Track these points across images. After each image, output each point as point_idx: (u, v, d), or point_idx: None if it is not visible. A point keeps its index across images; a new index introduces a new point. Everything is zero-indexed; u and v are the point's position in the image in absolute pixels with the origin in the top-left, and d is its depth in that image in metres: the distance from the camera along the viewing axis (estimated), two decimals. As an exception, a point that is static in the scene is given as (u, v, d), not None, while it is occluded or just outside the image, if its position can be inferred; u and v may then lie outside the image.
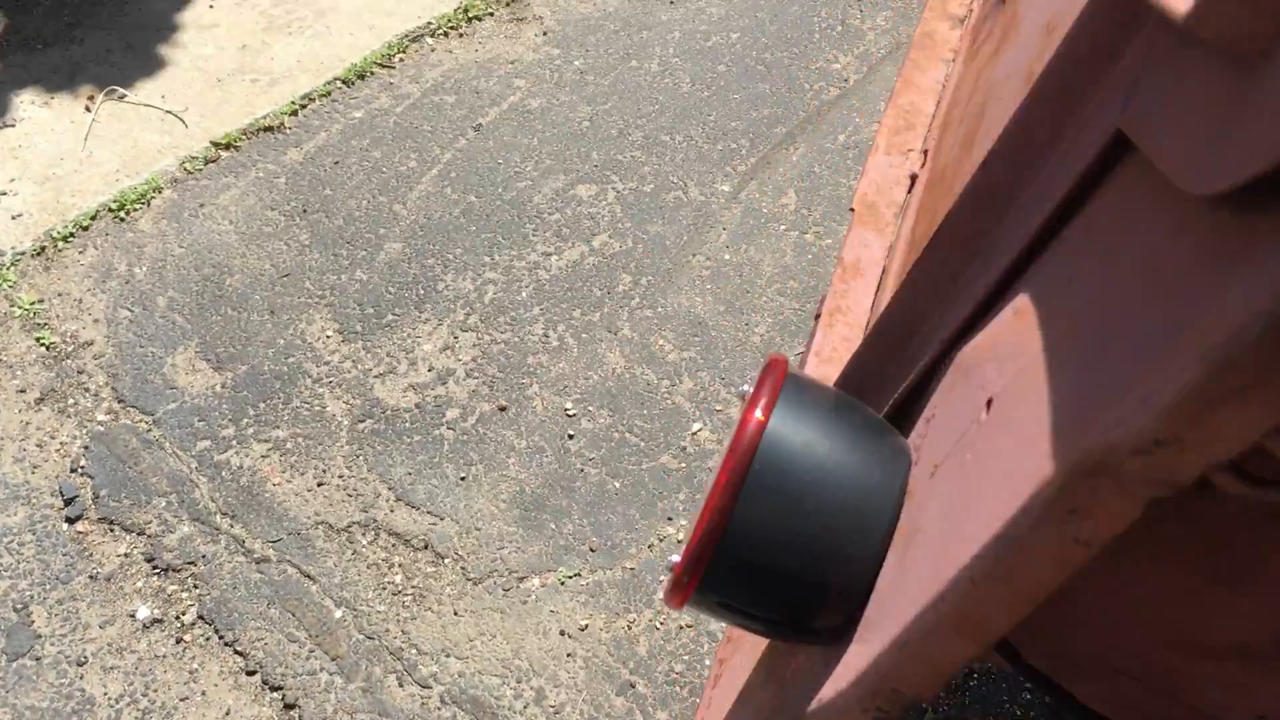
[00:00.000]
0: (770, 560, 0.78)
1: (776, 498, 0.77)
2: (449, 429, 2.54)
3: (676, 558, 0.83)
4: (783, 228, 3.03)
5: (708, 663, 2.22)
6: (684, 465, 2.50)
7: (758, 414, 0.79)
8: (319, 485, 2.44)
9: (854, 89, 3.43)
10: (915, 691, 0.69)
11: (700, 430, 2.57)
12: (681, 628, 2.27)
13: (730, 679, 1.19)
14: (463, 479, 2.46)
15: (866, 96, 3.41)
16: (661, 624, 2.27)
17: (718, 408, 2.61)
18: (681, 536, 2.38)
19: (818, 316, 1.42)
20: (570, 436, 2.54)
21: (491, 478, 2.46)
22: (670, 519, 2.42)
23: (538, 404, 2.60)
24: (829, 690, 0.74)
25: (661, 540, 2.38)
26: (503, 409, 2.58)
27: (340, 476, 2.45)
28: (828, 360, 1.37)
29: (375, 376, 2.63)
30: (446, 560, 2.34)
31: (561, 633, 2.25)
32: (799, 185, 3.15)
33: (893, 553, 0.77)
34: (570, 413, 2.58)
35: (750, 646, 1.16)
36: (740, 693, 1.09)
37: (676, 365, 2.69)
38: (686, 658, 2.23)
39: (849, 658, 0.75)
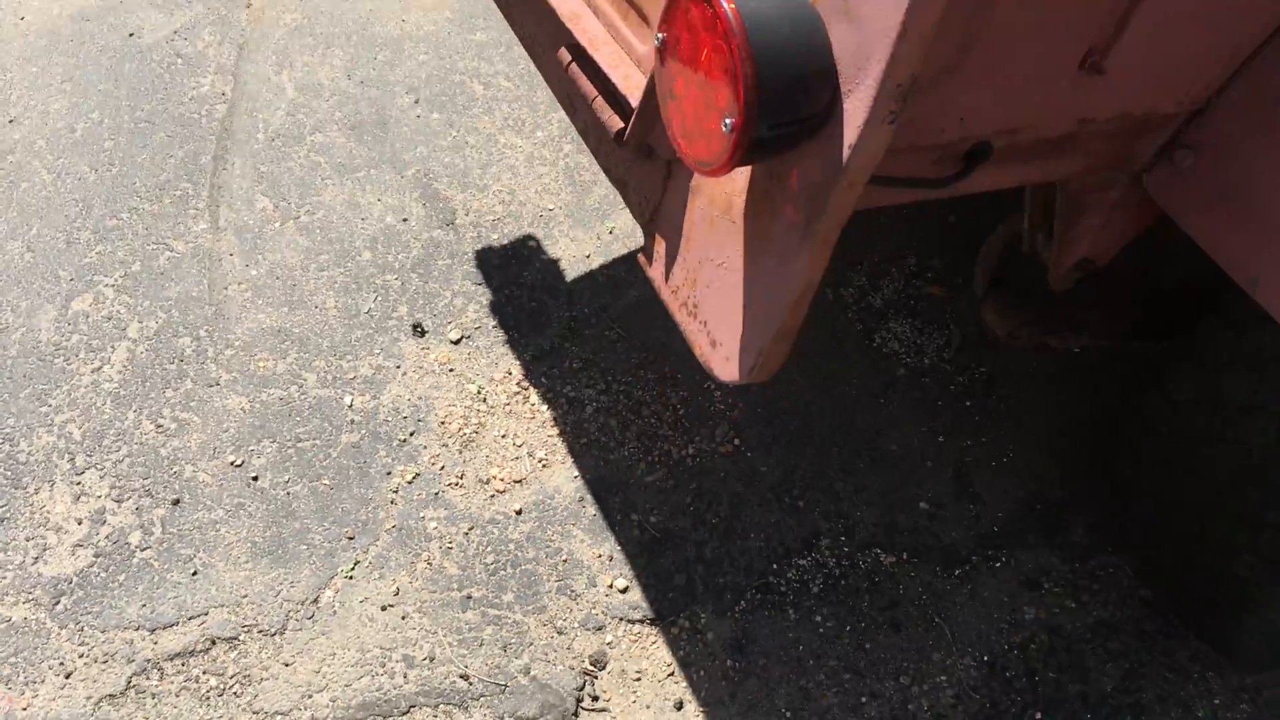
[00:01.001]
0: (794, 69, 1.08)
1: (775, 33, 1.07)
2: (143, 550, 2.46)
3: (731, 119, 1.09)
4: (277, 225, 3.17)
5: (510, 544, 2.46)
6: (365, 430, 2.66)
7: (726, 4, 1.06)
8: (67, 677, 2.27)
9: (237, 96, 3.58)
10: (912, 69, 1.02)
11: (354, 400, 2.72)
12: (466, 533, 2.48)
13: (713, 279, 1.41)
14: (194, 574, 2.42)
15: (251, 95, 3.58)
16: (452, 543, 2.46)
17: (351, 376, 2.77)
18: (410, 479, 2.56)
19: (573, 62, 1.65)
20: (255, 479, 2.58)
21: (220, 553, 2.45)
22: (389, 472, 2.58)
23: (204, 477, 2.58)
24: (850, 135, 1.06)
25: (396, 491, 2.54)
26: (177, 502, 2.54)
27: (81, 656, 2.30)
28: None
29: (32, 564, 2.45)
30: (241, 638, 2.32)
31: (383, 608, 2.36)
32: (260, 189, 3.29)
33: (833, 26, 1.08)
34: (238, 463, 2.61)
35: (702, 242, 1.41)
36: (748, 251, 1.32)
37: (290, 370, 2.79)
38: (490, 551, 2.45)
39: (851, 106, 1.07)
